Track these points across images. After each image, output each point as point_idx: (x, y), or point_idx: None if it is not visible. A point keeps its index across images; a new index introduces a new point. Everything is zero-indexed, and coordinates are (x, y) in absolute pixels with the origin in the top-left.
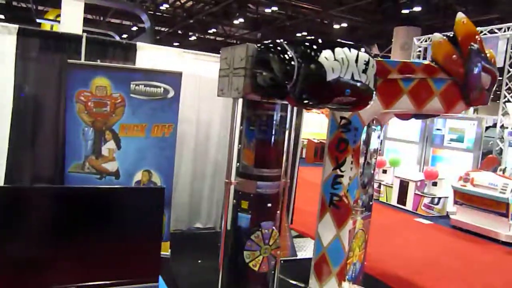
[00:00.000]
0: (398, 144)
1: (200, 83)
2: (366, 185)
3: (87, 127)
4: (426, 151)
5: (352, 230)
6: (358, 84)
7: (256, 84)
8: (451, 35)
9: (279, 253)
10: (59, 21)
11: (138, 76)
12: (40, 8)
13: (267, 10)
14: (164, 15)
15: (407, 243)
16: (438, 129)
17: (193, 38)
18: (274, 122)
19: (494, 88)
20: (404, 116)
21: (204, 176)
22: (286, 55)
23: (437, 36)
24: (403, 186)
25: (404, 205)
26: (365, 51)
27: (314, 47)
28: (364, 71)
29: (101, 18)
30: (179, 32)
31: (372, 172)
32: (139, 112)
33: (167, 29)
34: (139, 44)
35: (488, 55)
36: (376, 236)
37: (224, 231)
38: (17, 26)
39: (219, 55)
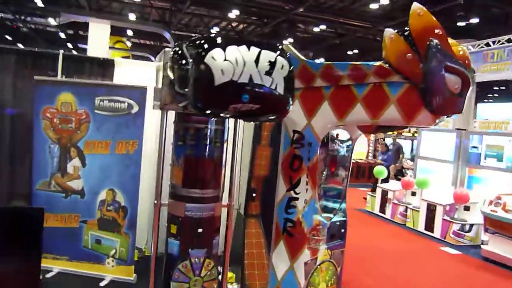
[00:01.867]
0: (431, 164)
1: None
2: (332, 208)
3: (53, 144)
4: (461, 171)
5: (311, 262)
6: (261, 88)
7: (175, 93)
8: (406, 30)
9: (215, 286)
10: (117, 48)
11: (102, 91)
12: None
13: (316, 29)
14: None
15: (421, 274)
16: (474, 147)
17: None
18: (206, 136)
19: (468, 93)
20: (366, 129)
21: None
22: (182, 59)
23: (388, 31)
24: (431, 210)
25: (432, 231)
26: (274, 49)
27: (205, 46)
28: (269, 73)
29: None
30: None
31: (343, 191)
32: (103, 128)
33: None
34: (116, 60)
35: (460, 53)
36: (387, 265)
37: (154, 259)
38: None
39: None
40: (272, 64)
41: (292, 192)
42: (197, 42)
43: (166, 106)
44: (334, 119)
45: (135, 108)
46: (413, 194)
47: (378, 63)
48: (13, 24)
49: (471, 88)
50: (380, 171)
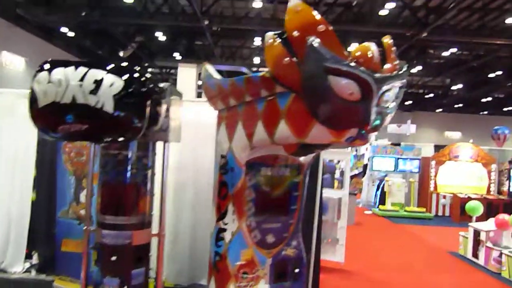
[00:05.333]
0: None
1: (199, 129)
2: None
3: (71, 175)
4: None
5: None
6: (84, 108)
7: None
8: (283, 32)
9: None
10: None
11: None
12: None
13: (445, 53)
14: None
15: None
16: None
17: None
18: (120, 162)
19: (375, 102)
20: (288, 150)
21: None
22: None
23: (267, 36)
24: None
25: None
26: (105, 68)
27: (37, 70)
28: (94, 91)
29: None
30: None
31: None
32: None
33: None
34: None
35: (359, 53)
36: None
37: (84, 285)
38: None
39: None
40: (98, 83)
41: (221, 222)
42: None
43: None
44: (246, 141)
45: None
46: None
47: (262, 73)
48: (162, 77)
49: (380, 93)
50: (474, 207)
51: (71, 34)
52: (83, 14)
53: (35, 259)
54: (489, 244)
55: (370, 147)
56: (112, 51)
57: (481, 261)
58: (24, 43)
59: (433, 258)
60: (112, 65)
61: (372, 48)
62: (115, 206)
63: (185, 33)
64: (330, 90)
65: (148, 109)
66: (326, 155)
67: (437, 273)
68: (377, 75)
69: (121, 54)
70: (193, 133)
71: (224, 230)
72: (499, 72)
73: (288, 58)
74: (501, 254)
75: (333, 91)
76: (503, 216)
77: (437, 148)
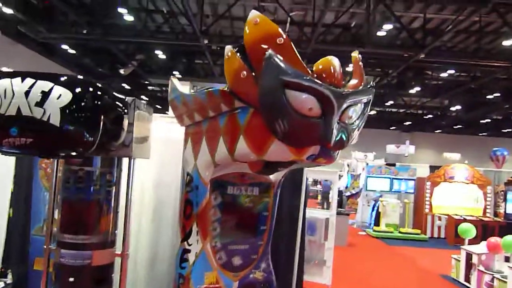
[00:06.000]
0: None
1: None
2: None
3: (46, 191)
4: None
5: None
6: (30, 121)
7: None
8: (242, 46)
9: None
10: None
11: None
12: None
13: (443, 75)
14: None
15: None
16: None
17: (373, 112)
18: (80, 179)
19: (336, 118)
20: (252, 168)
21: None
22: None
23: (226, 49)
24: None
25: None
26: (52, 79)
27: None
28: (40, 104)
29: None
30: None
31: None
32: None
33: None
34: None
35: (321, 67)
36: None
37: None
38: None
39: None
40: (45, 95)
41: (185, 243)
42: None
43: None
44: (209, 158)
45: None
46: (507, 259)
47: (221, 88)
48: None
49: (342, 108)
50: (466, 229)
51: (72, 51)
52: (84, 32)
53: (9, 278)
54: (481, 268)
55: (366, 167)
56: (113, 69)
57: (473, 285)
58: (26, 59)
59: (424, 281)
60: (63, 78)
61: (334, 62)
62: (75, 224)
63: (185, 52)
64: (288, 105)
65: (101, 123)
66: (312, 174)
67: None
68: (339, 90)
69: (121, 71)
70: (176, 150)
71: (189, 251)
72: (497, 94)
73: (245, 72)
74: (493, 278)
75: (292, 106)
76: (495, 239)
77: (433, 168)
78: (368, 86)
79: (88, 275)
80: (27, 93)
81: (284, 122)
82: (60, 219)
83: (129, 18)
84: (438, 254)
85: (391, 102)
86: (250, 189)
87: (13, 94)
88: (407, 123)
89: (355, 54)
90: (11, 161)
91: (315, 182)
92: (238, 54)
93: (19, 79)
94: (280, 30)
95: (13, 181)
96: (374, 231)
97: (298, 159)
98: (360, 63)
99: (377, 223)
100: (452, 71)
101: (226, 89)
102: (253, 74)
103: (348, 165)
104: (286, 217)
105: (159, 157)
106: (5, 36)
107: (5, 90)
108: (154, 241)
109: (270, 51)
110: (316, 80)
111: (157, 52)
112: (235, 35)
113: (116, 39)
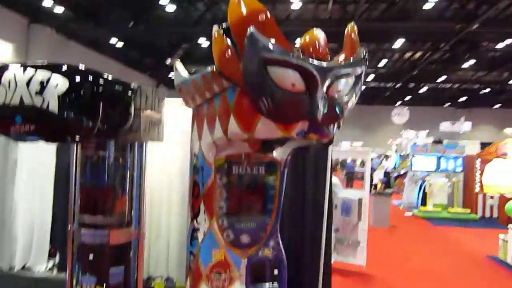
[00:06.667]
0: None
1: None
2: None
3: None
4: None
5: None
6: (31, 109)
7: None
8: (227, 25)
9: None
10: None
11: None
12: None
13: (500, 45)
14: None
15: None
16: None
17: (424, 89)
18: (95, 163)
19: (321, 92)
20: (252, 147)
21: None
22: None
23: (214, 29)
24: None
25: None
26: (51, 69)
27: None
28: (39, 92)
29: None
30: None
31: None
32: None
33: (392, 84)
34: None
35: (305, 41)
36: None
37: (69, 281)
38: None
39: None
40: (44, 84)
41: (195, 222)
42: None
43: None
44: (209, 138)
45: None
46: None
47: (210, 69)
48: None
49: (328, 82)
50: None
51: (119, 44)
52: (129, 26)
53: (57, 258)
54: None
55: (411, 146)
56: (159, 60)
57: None
58: (78, 55)
59: (468, 263)
60: (62, 67)
61: (318, 35)
62: (93, 206)
63: None
64: (270, 81)
65: (100, 110)
66: (344, 155)
67: (469, 280)
68: (322, 64)
69: (168, 62)
70: None
71: (198, 230)
72: None
73: (230, 51)
74: None
75: (274, 82)
76: None
77: (484, 146)
78: (361, 58)
79: (105, 253)
80: (28, 83)
81: (268, 99)
82: (79, 202)
83: (171, 8)
84: (488, 234)
85: (445, 77)
86: (256, 168)
87: (16, 84)
88: (462, 99)
89: (349, 26)
90: (52, 151)
91: (363, 164)
92: (224, 34)
93: (21, 69)
94: (262, 7)
95: (55, 168)
96: (421, 211)
97: (287, 136)
98: (353, 34)
99: (423, 203)
100: (509, 41)
101: (214, 69)
102: (238, 53)
103: (397, 145)
104: (310, 199)
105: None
106: (59, 34)
107: (9, 82)
108: (184, 224)
109: (251, 28)
110: (298, 55)
111: (200, 41)
112: (277, 18)
113: (160, 31)
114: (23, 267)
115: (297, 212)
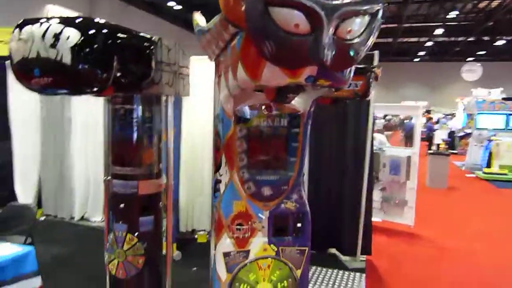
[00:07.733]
0: None
1: None
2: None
3: None
4: None
5: (236, 254)
6: (47, 62)
7: None
8: None
9: (141, 261)
10: None
11: None
12: None
13: None
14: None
15: None
16: None
17: (500, 42)
18: (122, 116)
19: (327, 33)
20: (268, 96)
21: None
22: None
23: None
24: None
25: None
26: (64, 22)
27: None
28: (53, 45)
29: None
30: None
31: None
32: None
33: (464, 38)
34: None
35: None
36: None
37: (106, 229)
38: None
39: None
40: (57, 37)
41: (217, 174)
42: None
43: None
44: (226, 90)
45: None
46: None
47: (218, 15)
48: None
49: (335, 22)
50: None
51: (177, 7)
52: None
53: None
54: None
55: (476, 103)
56: None
57: None
58: (138, 19)
59: None
60: (77, 20)
61: None
62: (122, 158)
63: None
64: (272, 22)
65: (114, 62)
66: (395, 111)
67: None
68: (328, 1)
69: None
70: None
71: (220, 181)
72: None
73: None
74: None
75: (276, 24)
76: None
77: None
78: None
79: (135, 203)
80: (43, 36)
81: (271, 42)
82: (110, 153)
83: None
84: None
85: None
86: (277, 120)
87: (33, 38)
88: None
89: None
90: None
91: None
92: None
93: (38, 24)
94: None
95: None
96: (484, 173)
97: (295, 81)
98: None
99: (488, 164)
100: None
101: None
102: None
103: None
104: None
105: None
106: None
107: (27, 36)
108: None
109: None
110: None
111: None
112: None
113: None
114: (82, 218)
115: (339, 164)
